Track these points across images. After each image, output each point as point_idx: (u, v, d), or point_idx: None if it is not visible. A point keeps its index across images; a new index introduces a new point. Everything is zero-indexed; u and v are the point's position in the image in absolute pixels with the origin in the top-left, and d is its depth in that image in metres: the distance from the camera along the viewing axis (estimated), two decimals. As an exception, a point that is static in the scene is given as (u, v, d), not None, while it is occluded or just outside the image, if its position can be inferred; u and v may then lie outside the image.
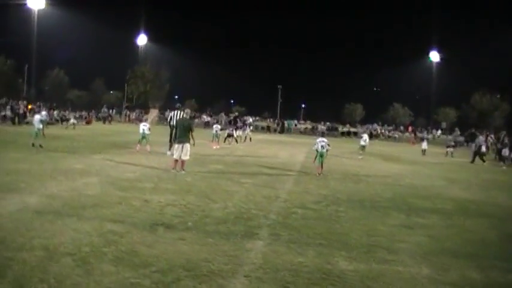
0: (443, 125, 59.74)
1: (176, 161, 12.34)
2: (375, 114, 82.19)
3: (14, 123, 31.11)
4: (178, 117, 16.15)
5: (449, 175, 16.75)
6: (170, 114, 17.05)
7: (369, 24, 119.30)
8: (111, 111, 52.14)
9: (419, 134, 50.06)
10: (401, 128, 59.63)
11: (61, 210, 7.24)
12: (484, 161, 22.90)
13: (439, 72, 62.94)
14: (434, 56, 62.66)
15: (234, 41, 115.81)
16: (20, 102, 35.04)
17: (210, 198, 9.09)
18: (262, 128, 51.97)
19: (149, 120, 47.45)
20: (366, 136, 22.36)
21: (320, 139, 14.12)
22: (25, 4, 47.32)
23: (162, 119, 50.56)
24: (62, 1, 52.18)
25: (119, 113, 54.75)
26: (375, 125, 58.92)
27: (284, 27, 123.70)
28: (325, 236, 6.88)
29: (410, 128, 59.95)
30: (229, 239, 6.33)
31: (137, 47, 61.85)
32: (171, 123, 16.45)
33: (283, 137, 38.99)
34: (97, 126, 37.67)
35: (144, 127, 16.93)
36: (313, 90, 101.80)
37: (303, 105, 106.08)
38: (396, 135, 52.11)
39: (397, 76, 73.71)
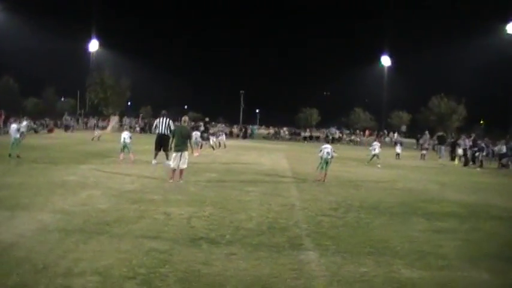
0: (403, 128, 61.33)
1: (174, 170, 11.85)
2: (331, 118, 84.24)
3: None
4: (164, 124, 15.71)
5: (436, 178, 16.99)
6: (156, 121, 16.35)
7: (319, 30, 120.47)
8: (72, 119, 50.05)
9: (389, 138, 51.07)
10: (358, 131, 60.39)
11: (85, 227, 6.71)
12: (464, 163, 23.54)
13: (391, 77, 65.00)
14: (386, 61, 64.55)
15: (185, 46, 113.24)
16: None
17: (228, 208, 8.73)
18: (225, 133, 51.48)
19: (109, 127, 46.11)
20: (376, 144, 21.24)
21: (325, 146, 13.90)
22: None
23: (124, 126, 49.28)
24: (10, 7, 49.92)
25: (76, 120, 52.60)
26: (333, 129, 59.57)
27: (237, 32, 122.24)
28: (369, 244, 6.71)
29: (367, 132, 61.51)
30: (279, 251, 6.07)
31: (88, 53, 60.03)
32: (157, 131, 15.89)
33: (250, 143, 38.54)
34: (61, 134, 36.05)
35: (125, 136, 16.21)
36: (266, 96, 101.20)
37: (257, 110, 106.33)
38: (358, 139, 52.88)
39: (349, 81, 75.88)
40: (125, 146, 15.99)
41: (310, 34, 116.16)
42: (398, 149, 26.43)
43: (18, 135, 15.19)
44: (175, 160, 11.77)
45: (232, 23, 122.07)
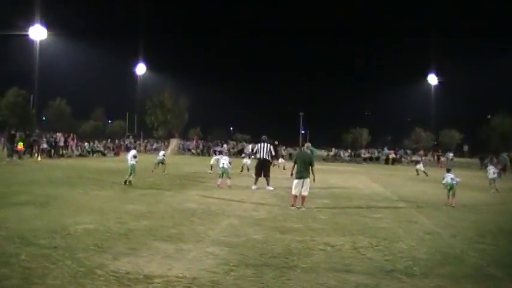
0: (465, 148, 59.12)
1: (295, 196, 11.48)
2: (378, 138, 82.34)
3: (50, 156, 30.18)
4: (265, 149, 15.51)
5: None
6: (256, 146, 16.21)
7: (357, 50, 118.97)
8: (133, 141, 50.99)
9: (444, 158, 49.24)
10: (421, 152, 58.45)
11: (267, 261, 6.34)
12: None
13: (438, 95, 63.47)
14: (432, 79, 63.11)
15: (232, 65, 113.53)
16: (57, 133, 34.19)
17: (379, 236, 8.28)
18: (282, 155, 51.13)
19: (169, 150, 46.56)
20: (492, 168, 20.11)
21: (447, 174, 13.94)
22: (27, 35, 46.94)
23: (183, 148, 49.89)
24: (62, 31, 51.92)
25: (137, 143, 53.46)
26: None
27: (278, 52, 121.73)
28: None
29: (422, 152, 59.72)
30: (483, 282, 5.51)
31: (136, 76, 61.41)
32: (258, 155, 15.69)
33: (319, 165, 37.54)
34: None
35: (224, 161, 16.01)
36: (310, 116, 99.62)
37: (303, 131, 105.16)
38: (420, 159, 51.15)
39: (396, 100, 74.42)
40: (223, 172, 15.76)
41: (356, 54, 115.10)
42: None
43: (134, 162, 15.21)
44: (297, 187, 11.42)
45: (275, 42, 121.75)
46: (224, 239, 7.63)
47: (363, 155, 52.45)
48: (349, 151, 55.65)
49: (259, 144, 16.04)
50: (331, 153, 52.96)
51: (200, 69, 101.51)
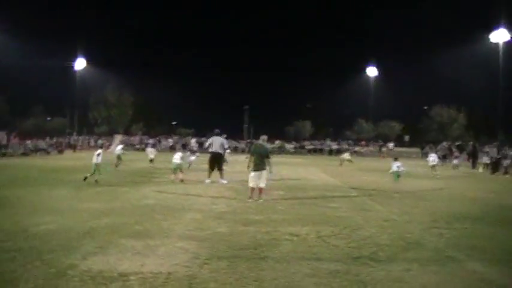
0: (406, 138, 61.75)
1: (253, 189, 11.62)
2: (321, 130, 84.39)
3: None
4: (218, 143, 15.53)
5: (483, 187, 17.25)
6: (209, 140, 16.13)
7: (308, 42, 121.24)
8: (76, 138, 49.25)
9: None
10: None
11: (238, 254, 6.45)
12: (492, 171, 23.78)
13: (380, 88, 65.99)
14: (372, 72, 65.57)
15: (174, 60, 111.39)
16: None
17: (341, 225, 8.56)
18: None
19: (113, 146, 45.48)
20: (433, 156, 21.83)
21: (394, 163, 15.21)
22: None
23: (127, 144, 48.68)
24: None
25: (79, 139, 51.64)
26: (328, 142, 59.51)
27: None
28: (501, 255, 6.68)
29: (363, 142, 62.00)
30: (444, 264, 5.95)
31: (74, 72, 59.01)
32: (210, 149, 15.68)
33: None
34: (73, 155, 35.44)
35: (177, 156, 15.91)
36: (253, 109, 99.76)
37: (246, 125, 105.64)
38: (363, 150, 53.06)
39: (337, 92, 76.79)
40: (176, 167, 15.67)
41: (298, 47, 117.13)
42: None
43: (99, 160, 14.91)
44: (255, 179, 11.56)
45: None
46: (190, 233, 7.65)
47: (307, 147, 53.51)
48: (294, 143, 56.56)
49: (212, 138, 16.02)
50: (276, 145, 53.60)
51: (141, 64, 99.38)
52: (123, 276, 5.30)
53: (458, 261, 6.23)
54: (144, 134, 62.38)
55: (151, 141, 47.60)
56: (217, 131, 15.84)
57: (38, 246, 6.43)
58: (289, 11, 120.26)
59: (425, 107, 68.62)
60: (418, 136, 59.83)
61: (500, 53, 41.67)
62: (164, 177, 17.20)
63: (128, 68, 78.56)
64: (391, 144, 56.58)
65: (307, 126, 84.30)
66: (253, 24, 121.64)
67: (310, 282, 5.24)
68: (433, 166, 21.05)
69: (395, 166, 14.52)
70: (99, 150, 15.37)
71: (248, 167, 11.95)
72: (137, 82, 61.01)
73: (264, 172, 11.65)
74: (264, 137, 12.68)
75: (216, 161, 15.60)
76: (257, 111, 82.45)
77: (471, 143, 33.20)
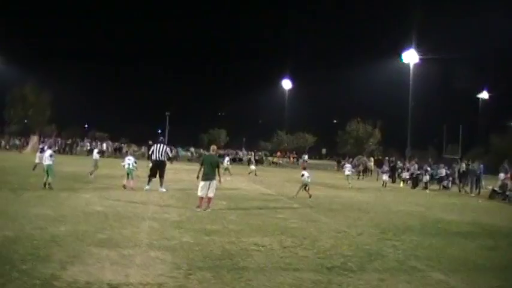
0: (324, 150, 64.28)
1: (202, 198, 11.72)
2: (235, 139, 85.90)
3: None
4: (161, 151, 15.45)
5: (408, 200, 18.54)
6: (152, 147, 16.00)
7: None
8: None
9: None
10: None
11: (216, 264, 6.57)
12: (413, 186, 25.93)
13: (296, 100, 68.50)
14: (287, 84, 67.93)
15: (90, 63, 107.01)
16: None
17: (300, 236, 8.98)
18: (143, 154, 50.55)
19: (29, 147, 43.15)
20: (348, 167, 24.57)
21: (303, 172, 16.37)
22: None
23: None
24: None
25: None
26: (242, 152, 60.69)
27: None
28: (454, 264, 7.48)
29: (279, 153, 63.97)
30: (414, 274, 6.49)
31: None
32: (153, 157, 15.59)
33: (187, 166, 37.39)
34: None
35: (129, 161, 15.48)
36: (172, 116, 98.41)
37: (159, 131, 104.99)
38: (280, 161, 54.58)
39: (251, 103, 79.08)
40: (129, 172, 15.29)
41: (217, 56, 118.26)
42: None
43: (51, 162, 14.19)
44: (204, 189, 11.67)
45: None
46: (158, 243, 7.63)
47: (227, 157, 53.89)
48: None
49: (155, 146, 15.96)
50: (195, 153, 53.50)
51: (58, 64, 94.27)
52: (114, 287, 5.25)
53: (422, 271, 6.85)
54: (57, 136, 59.25)
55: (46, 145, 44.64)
56: (161, 138, 16.11)
57: (6, 256, 6.12)
58: (207, 21, 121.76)
59: (335, 121, 72.33)
60: (333, 149, 62.69)
61: (411, 73, 44.66)
62: (97, 183, 16.71)
63: (46, 66, 74.21)
64: (305, 156, 58.70)
65: (222, 135, 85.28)
66: (176, 30, 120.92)
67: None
68: (348, 176, 23.28)
69: (306, 176, 15.90)
70: (50, 151, 14.54)
71: (197, 177, 12.02)
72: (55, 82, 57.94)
73: (214, 182, 11.81)
74: (214, 147, 12.92)
75: (159, 169, 15.53)
76: (177, 118, 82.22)
77: (392, 158, 35.43)
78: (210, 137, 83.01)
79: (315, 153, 73.90)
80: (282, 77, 68.23)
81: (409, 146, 44.63)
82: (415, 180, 25.96)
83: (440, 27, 64.73)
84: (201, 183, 11.78)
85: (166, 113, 69.57)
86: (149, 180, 15.44)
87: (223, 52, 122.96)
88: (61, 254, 6.43)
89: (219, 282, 5.70)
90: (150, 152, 16.18)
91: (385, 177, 25.44)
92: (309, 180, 16.21)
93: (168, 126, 69.90)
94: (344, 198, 17.39)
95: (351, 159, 39.73)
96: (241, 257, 7.03)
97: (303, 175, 16.19)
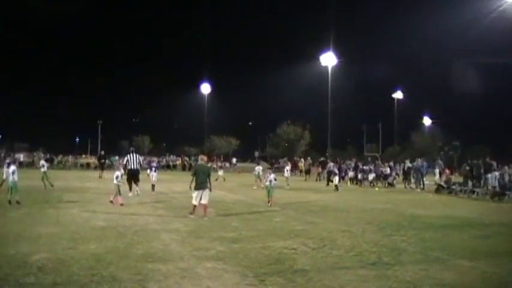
0: (257, 153, 65.04)
1: (195, 206, 11.88)
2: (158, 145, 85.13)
3: None
4: (135, 160, 16.08)
5: (363, 198, 19.65)
6: (126, 157, 16.87)
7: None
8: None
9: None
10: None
11: (287, 268, 6.79)
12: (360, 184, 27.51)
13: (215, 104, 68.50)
14: (206, 88, 67.74)
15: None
16: None
17: (317, 238, 9.40)
18: (81, 165, 48.51)
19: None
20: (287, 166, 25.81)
21: (270, 175, 15.50)
22: None
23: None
24: None
25: None
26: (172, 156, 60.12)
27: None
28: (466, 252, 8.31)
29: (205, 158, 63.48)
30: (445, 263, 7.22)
31: None
32: (128, 166, 16.41)
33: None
34: None
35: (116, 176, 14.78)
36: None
37: (77, 139, 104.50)
38: (214, 166, 54.39)
39: (170, 108, 78.98)
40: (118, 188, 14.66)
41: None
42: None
43: (15, 178, 13.38)
44: (198, 197, 11.91)
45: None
46: (199, 254, 7.68)
47: (161, 163, 53.04)
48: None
49: (129, 155, 16.73)
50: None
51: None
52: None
53: (448, 260, 7.61)
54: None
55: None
56: (132, 148, 17.45)
57: (76, 279, 5.93)
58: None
59: (250, 123, 73.49)
60: (264, 152, 63.89)
61: (329, 75, 44.08)
62: (69, 197, 16.01)
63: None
64: (234, 159, 59.27)
65: (146, 142, 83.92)
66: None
67: (374, 285, 6.02)
68: (287, 178, 24.78)
69: (273, 178, 15.18)
70: (13, 167, 13.60)
71: (190, 187, 12.13)
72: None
73: (207, 190, 12.05)
74: (203, 156, 13.49)
75: (134, 177, 16.41)
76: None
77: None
78: (134, 144, 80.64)
79: (239, 156, 74.50)
80: (201, 82, 67.59)
81: (329, 147, 45.88)
82: (358, 179, 27.93)
83: (358, 30, 68.42)
84: (195, 192, 11.98)
85: (99, 122, 67.00)
86: (130, 187, 16.45)
87: (143, 57, 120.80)
88: (123, 273, 6.32)
89: (297, 285, 5.96)
90: (125, 162, 16.80)
91: (337, 178, 26.25)
92: (276, 183, 15.66)
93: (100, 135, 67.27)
94: (311, 199, 18.07)
95: (286, 160, 40.81)
96: (287, 261, 7.31)
97: (270, 181, 15.34)
